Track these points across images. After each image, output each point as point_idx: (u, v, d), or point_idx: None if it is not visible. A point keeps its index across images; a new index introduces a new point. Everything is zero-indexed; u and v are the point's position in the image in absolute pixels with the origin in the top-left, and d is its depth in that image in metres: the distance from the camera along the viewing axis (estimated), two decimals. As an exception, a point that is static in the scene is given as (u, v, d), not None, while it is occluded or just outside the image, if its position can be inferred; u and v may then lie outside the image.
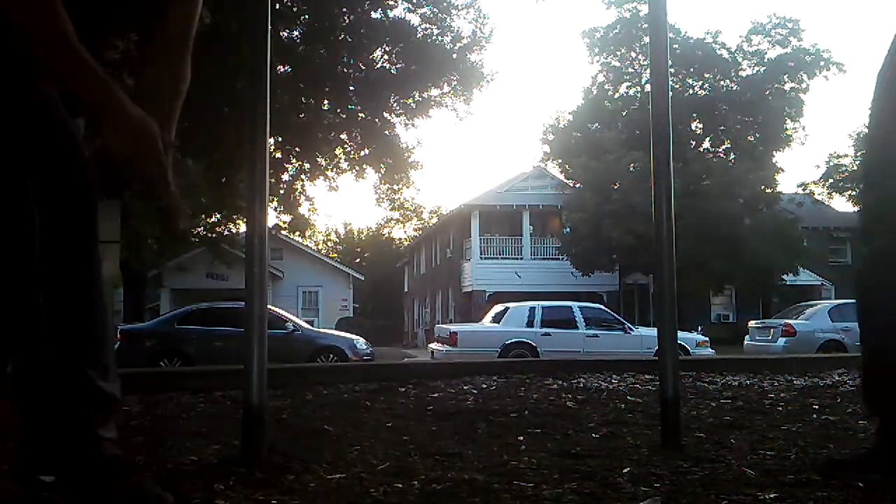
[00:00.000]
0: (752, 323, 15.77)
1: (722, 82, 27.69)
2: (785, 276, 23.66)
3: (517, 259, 27.68)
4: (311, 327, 13.61)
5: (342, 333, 13.38)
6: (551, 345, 12.63)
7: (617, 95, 29.02)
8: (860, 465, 1.65)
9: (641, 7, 26.14)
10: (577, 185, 25.69)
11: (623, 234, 21.79)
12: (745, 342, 15.19)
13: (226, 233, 19.90)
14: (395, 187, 15.09)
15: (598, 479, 1.65)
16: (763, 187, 24.82)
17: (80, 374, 1.29)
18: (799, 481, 1.61)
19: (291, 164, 13.51)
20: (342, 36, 11.10)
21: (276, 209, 14.44)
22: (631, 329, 13.70)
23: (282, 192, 13.76)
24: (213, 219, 18.91)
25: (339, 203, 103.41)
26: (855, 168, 26.90)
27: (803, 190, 28.79)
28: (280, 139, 11.76)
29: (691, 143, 26.72)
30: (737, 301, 28.46)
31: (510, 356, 11.65)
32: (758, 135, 27.28)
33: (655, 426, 2.34)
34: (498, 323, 13.61)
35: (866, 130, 1.91)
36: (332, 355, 11.41)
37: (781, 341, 13.56)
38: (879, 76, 1.80)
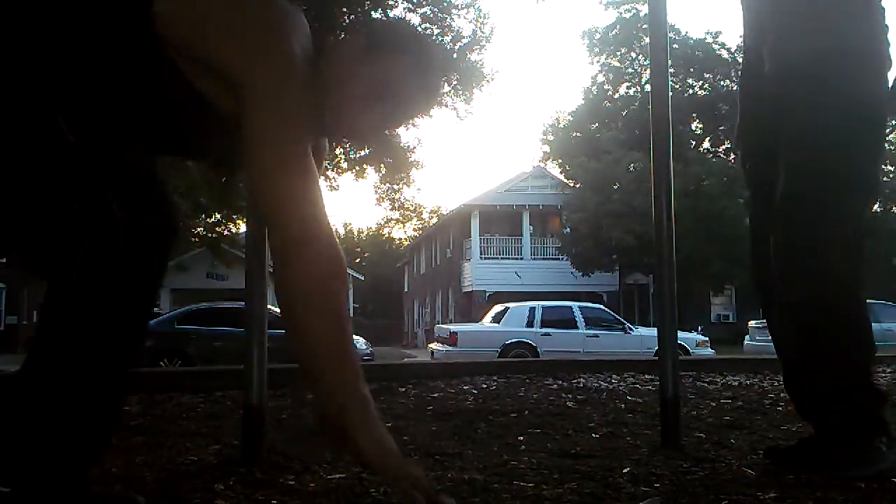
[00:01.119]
0: (752, 323, 15.73)
1: (722, 82, 27.66)
2: (785, 277, 23.61)
3: (517, 259, 27.66)
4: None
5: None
6: (551, 345, 12.63)
7: (617, 96, 29.01)
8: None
9: (641, 7, 26.14)
10: (577, 185, 25.69)
11: (623, 234, 21.79)
12: (746, 342, 15.17)
13: (226, 233, 19.89)
14: (395, 187, 15.09)
15: (598, 479, 1.65)
16: (763, 187, 24.78)
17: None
18: (799, 481, 1.61)
19: (291, 163, 13.49)
20: (342, 36, 11.09)
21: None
22: (631, 329, 13.69)
23: (281, 191, 13.74)
24: (213, 219, 18.90)
25: (339, 203, 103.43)
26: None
27: (803, 190, 28.74)
28: (280, 139, 11.73)
29: (691, 143, 26.72)
30: (737, 301, 28.44)
31: (510, 356, 11.65)
32: (758, 135, 27.28)
33: (655, 426, 2.33)
34: (498, 323, 13.61)
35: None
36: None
37: (782, 341, 13.53)
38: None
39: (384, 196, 15.73)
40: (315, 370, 1.17)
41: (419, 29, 12.02)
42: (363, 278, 33.78)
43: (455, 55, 12.40)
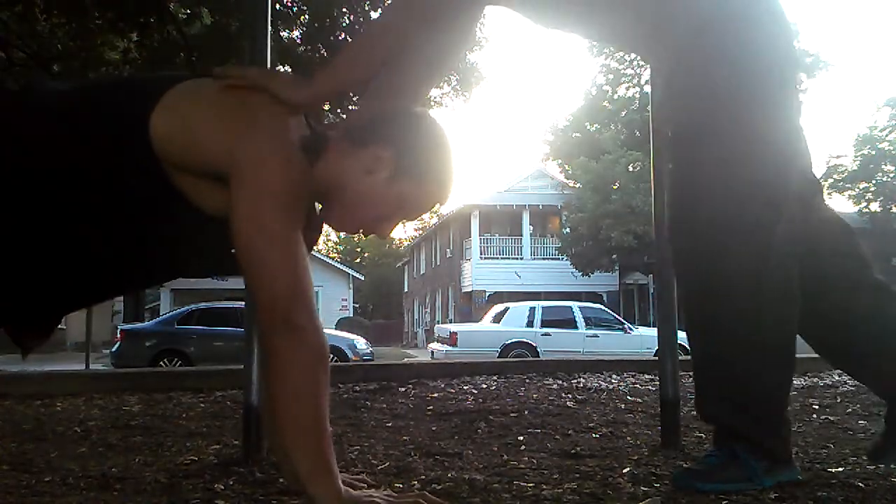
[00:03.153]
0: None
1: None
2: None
3: (517, 259, 27.66)
4: (311, 327, 13.56)
5: (342, 333, 13.37)
6: (551, 345, 12.63)
7: (616, 96, 29.01)
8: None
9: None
10: (577, 186, 25.70)
11: (623, 234, 21.79)
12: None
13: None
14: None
15: (598, 479, 1.65)
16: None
17: None
18: (798, 481, 1.61)
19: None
20: (342, 36, 11.09)
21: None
22: (631, 329, 13.70)
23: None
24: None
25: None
26: (855, 168, 26.86)
27: (803, 190, 28.72)
28: (280, 139, 11.73)
29: (691, 143, 26.72)
30: (737, 301, 28.40)
31: (510, 356, 11.65)
32: (758, 135, 27.22)
33: (655, 426, 2.34)
34: (498, 323, 13.61)
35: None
36: (331, 355, 11.35)
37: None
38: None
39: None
40: (293, 455, 1.20)
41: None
42: (363, 278, 33.77)
43: (455, 55, 12.41)
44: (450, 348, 12.84)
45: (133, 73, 2.83)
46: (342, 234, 52.56)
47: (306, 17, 10.68)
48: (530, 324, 13.26)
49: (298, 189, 1.20)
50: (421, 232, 38.87)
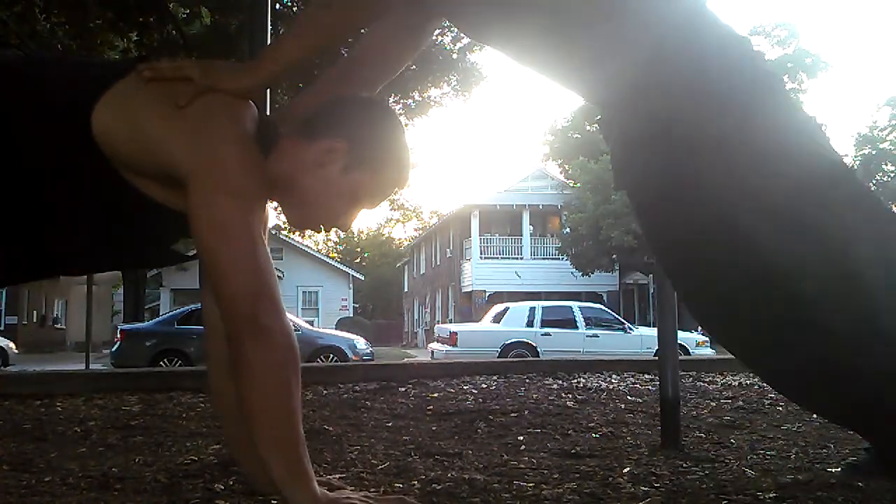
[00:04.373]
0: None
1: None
2: (785, 276, 23.57)
3: (517, 259, 27.66)
4: (310, 327, 13.60)
5: (342, 333, 13.37)
6: (551, 345, 12.63)
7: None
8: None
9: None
10: (577, 186, 25.72)
11: (622, 234, 21.80)
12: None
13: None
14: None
15: (598, 479, 1.65)
16: (763, 187, 24.73)
17: None
18: (798, 481, 1.61)
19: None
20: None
21: (276, 209, 14.39)
22: (631, 329, 13.70)
23: (282, 191, 13.74)
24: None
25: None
26: (855, 168, 26.91)
27: (803, 190, 28.77)
28: (280, 139, 11.73)
29: (691, 143, 26.67)
30: (737, 301, 28.36)
31: (510, 356, 11.65)
32: (758, 135, 27.19)
33: (655, 426, 2.34)
34: (498, 323, 13.61)
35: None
36: (331, 355, 11.40)
37: (781, 341, 13.49)
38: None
39: (384, 196, 15.69)
40: (268, 459, 1.18)
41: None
42: (363, 278, 33.79)
43: (455, 55, 12.41)
44: (450, 348, 12.84)
45: (74, 60, 2.76)
46: (342, 234, 52.68)
47: (306, 17, 10.70)
48: (530, 324, 13.27)
49: (255, 186, 1.18)
50: (421, 232, 38.88)
